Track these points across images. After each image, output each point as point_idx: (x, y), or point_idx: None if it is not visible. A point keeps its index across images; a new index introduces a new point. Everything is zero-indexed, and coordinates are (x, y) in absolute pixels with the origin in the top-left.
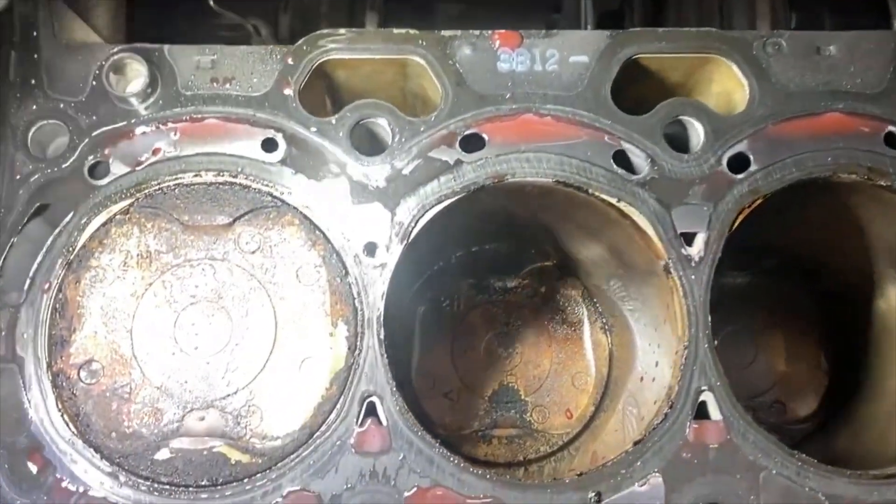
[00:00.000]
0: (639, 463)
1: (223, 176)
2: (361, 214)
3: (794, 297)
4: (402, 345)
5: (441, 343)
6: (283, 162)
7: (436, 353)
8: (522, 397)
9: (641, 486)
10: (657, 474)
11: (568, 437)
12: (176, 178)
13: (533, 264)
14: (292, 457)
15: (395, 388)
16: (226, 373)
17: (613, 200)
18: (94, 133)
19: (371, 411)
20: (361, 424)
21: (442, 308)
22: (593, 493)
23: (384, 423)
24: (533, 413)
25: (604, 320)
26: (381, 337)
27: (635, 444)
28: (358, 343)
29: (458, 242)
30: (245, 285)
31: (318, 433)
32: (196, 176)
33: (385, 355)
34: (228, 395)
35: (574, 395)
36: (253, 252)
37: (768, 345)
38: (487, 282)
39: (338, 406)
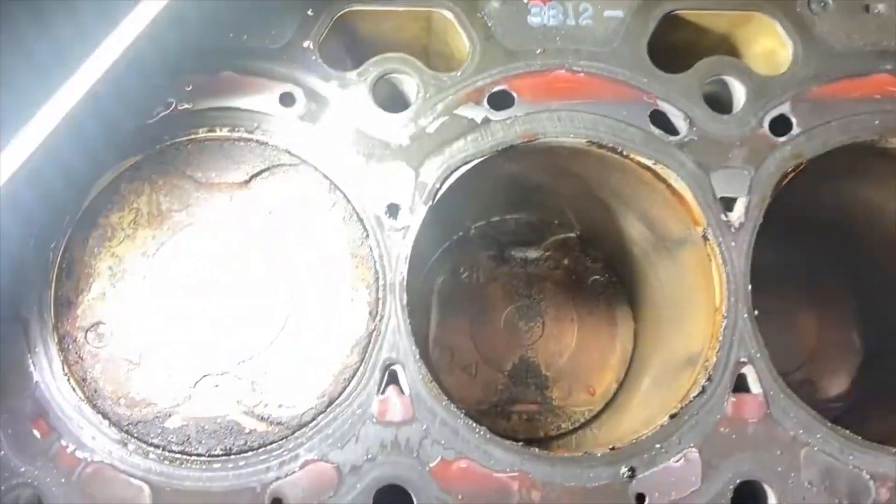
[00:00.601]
0: (674, 437)
1: (238, 132)
2: (384, 174)
3: (827, 271)
4: (420, 316)
5: (460, 316)
6: (301, 118)
7: (454, 326)
8: (543, 373)
9: (677, 461)
10: (693, 449)
11: (590, 414)
12: (189, 134)
13: (555, 235)
14: (310, 425)
15: (418, 356)
16: (241, 337)
17: (650, 163)
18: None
19: (393, 379)
20: (382, 393)
21: (461, 279)
22: (626, 468)
23: (406, 391)
24: (554, 389)
25: (629, 293)
26: (404, 302)
27: (671, 417)
28: (379, 309)
29: (478, 212)
30: (261, 246)
31: (337, 401)
32: (210, 131)
33: (408, 322)
34: (244, 361)
35: (597, 371)
36: (270, 212)
37: (798, 321)
38: (508, 253)
39: (358, 374)
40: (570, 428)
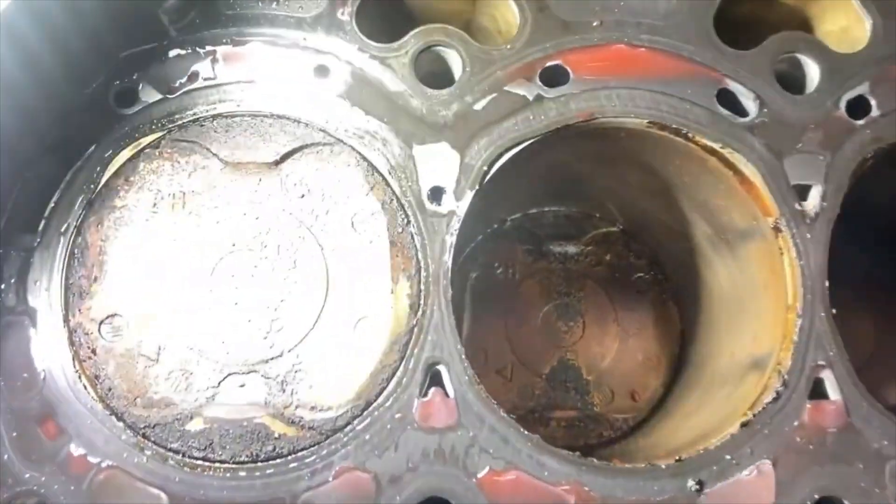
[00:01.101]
0: (746, 448)
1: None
2: (426, 155)
3: (885, 269)
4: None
5: (494, 314)
6: (337, 92)
7: (488, 325)
8: (584, 376)
9: (749, 474)
10: (767, 461)
11: (634, 421)
12: (215, 108)
13: (597, 229)
14: (345, 430)
15: (464, 355)
16: (269, 332)
17: (716, 146)
18: (122, 55)
19: (436, 380)
20: (425, 395)
21: (495, 275)
22: (694, 481)
23: (451, 394)
24: (595, 394)
25: (676, 291)
26: (449, 296)
27: (742, 425)
28: (422, 302)
29: (514, 202)
30: (293, 233)
31: (375, 404)
32: (238, 106)
33: (452, 317)
34: (272, 359)
35: (641, 375)
36: (302, 196)
37: (852, 323)
38: (546, 247)
39: (398, 374)
40: (613, 436)
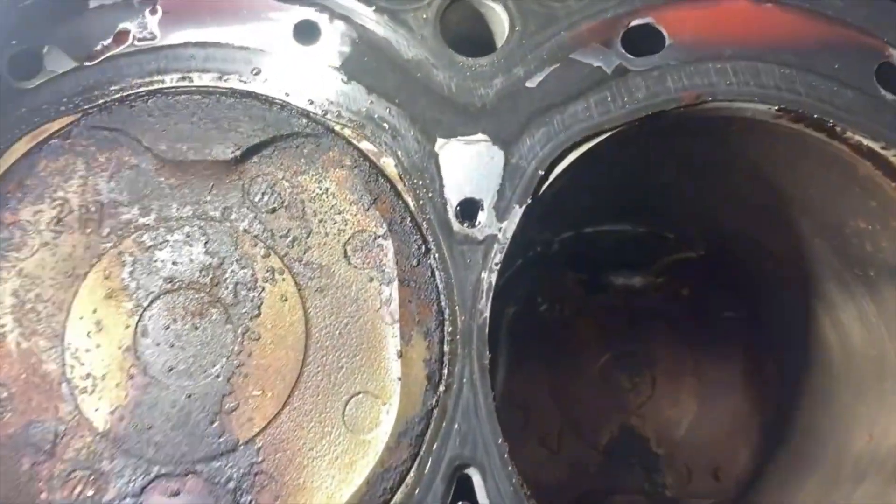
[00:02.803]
0: None
1: (229, 80)
2: (456, 153)
3: None
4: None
5: (537, 364)
6: (328, 61)
7: (529, 378)
8: (653, 449)
9: None
10: None
11: None
12: (151, 82)
13: (672, 255)
14: None
15: (506, 455)
16: (219, 414)
17: (875, 146)
18: (21, 2)
19: (464, 492)
20: None
21: (539, 312)
22: None
23: None
24: (667, 473)
25: (778, 339)
26: (486, 362)
27: None
28: (445, 373)
29: (566, 218)
30: (258, 266)
31: None
32: (184, 79)
33: (491, 395)
34: (223, 454)
35: (727, 447)
36: (273, 210)
37: None
38: (605, 278)
39: (408, 481)
40: None
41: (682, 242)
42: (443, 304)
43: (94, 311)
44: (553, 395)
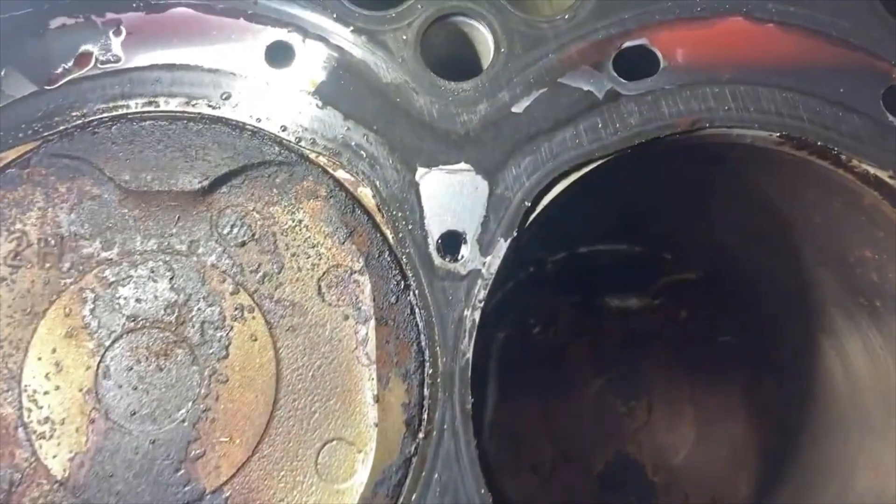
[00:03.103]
0: None
1: (197, 105)
2: (437, 183)
3: None
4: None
5: (529, 389)
6: (302, 85)
7: (520, 403)
8: (649, 477)
9: None
10: None
11: None
12: (115, 107)
13: (669, 276)
14: None
15: None
16: (184, 462)
17: (883, 175)
18: None
19: None
20: None
21: (531, 336)
22: None
23: None
24: (664, 501)
25: (779, 365)
26: (468, 406)
27: None
28: (424, 418)
29: (559, 238)
30: (226, 304)
31: None
32: (150, 104)
33: (473, 444)
34: None
35: (726, 476)
36: (243, 243)
37: None
38: (600, 300)
39: None
40: None
41: (680, 264)
42: (423, 344)
43: (54, 351)
44: (545, 421)
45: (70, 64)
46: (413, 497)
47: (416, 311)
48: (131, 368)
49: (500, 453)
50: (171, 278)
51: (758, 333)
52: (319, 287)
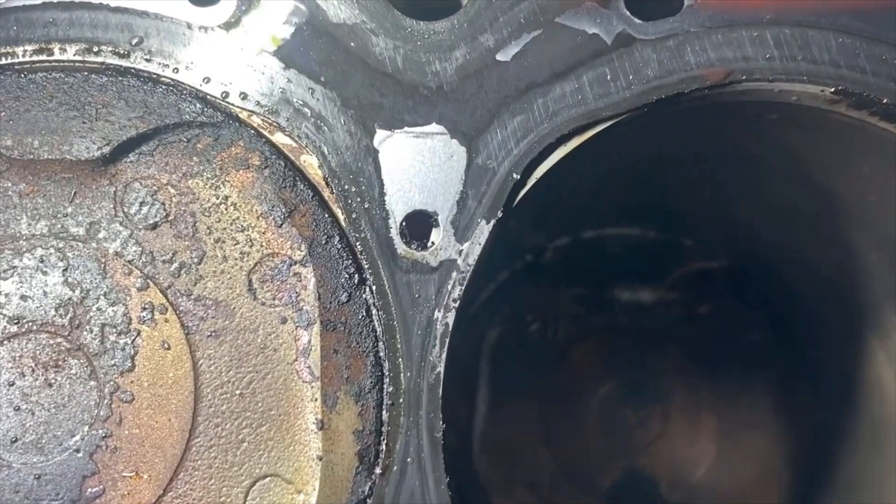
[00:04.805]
0: None
1: (100, 53)
2: (402, 149)
3: None
4: (456, 397)
5: (525, 395)
6: (231, 26)
7: (515, 413)
8: (664, 495)
9: None
10: None
11: None
12: None
13: (687, 265)
14: None
15: None
16: (78, 501)
17: None
18: None
19: None
20: None
21: (527, 334)
22: None
23: None
24: None
25: (814, 369)
26: (438, 436)
27: None
28: (381, 447)
29: (559, 221)
30: (132, 302)
31: None
32: (41, 51)
33: (445, 484)
34: None
35: (752, 496)
36: (154, 226)
37: None
38: (608, 292)
39: None
40: None
41: (701, 250)
42: (381, 354)
43: None
44: (544, 434)
45: None
46: None
47: (374, 312)
48: (12, 384)
49: (491, 469)
50: (65, 270)
51: (791, 331)
52: (250, 282)
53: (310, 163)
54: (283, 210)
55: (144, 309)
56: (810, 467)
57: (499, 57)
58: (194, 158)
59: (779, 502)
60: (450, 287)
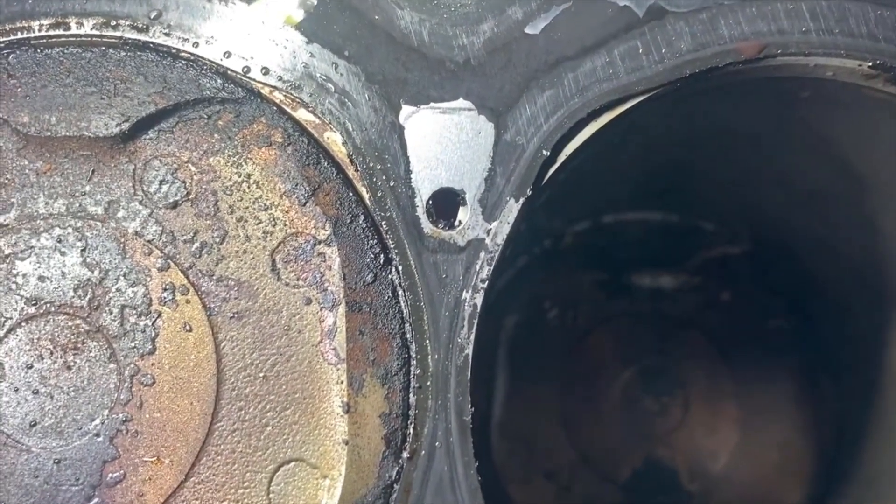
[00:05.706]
0: None
1: (119, 28)
2: (427, 125)
3: None
4: (474, 384)
5: (544, 383)
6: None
7: (534, 400)
8: (684, 485)
9: None
10: None
11: None
12: (12, 31)
13: (709, 250)
14: None
15: None
16: (99, 487)
17: None
18: None
19: None
20: None
21: (547, 321)
22: None
23: None
24: None
25: (837, 358)
26: (468, 417)
27: None
28: (409, 431)
29: (579, 205)
30: (153, 283)
31: None
32: (58, 25)
33: (475, 469)
34: None
35: (775, 484)
36: (175, 205)
37: None
38: (628, 278)
39: None
40: None
41: (723, 235)
42: (408, 336)
43: None
44: (564, 421)
45: None
46: None
47: (400, 292)
48: (31, 366)
49: (510, 458)
50: (83, 250)
51: (815, 319)
52: (274, 262)
53: (333, 140)
54: (307, 188)
55: (165, 290)
56: (832, 457)
57: (527, 30)
58: (215, 135)
59: (800, 493)
60: (478, 267)
